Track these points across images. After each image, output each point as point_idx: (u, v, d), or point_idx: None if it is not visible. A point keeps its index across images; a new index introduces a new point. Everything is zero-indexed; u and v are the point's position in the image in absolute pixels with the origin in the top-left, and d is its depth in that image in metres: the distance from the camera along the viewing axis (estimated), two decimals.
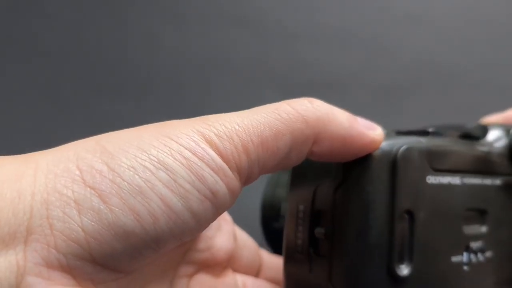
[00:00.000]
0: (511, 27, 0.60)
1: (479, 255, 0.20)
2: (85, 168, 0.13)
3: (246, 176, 0.15)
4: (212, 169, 0.14)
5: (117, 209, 0.13)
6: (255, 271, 0.22)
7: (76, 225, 0.13)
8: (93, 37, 0.60)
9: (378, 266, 0.17)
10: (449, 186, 0.19)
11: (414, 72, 0.61)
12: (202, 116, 0.16)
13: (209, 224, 0.15)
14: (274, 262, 0.23)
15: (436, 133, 0.21)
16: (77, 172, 0.13)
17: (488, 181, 0.21)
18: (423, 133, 0.20)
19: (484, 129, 0.22)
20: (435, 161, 0.19)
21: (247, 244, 0.22)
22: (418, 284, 0.18)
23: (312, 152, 0.16)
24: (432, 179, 0.18)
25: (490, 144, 0.21)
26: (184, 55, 0.60)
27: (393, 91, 0.60)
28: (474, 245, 0.20)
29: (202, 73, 0.60)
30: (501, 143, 0.21)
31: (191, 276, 0.19)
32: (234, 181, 0.15)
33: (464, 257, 0.20)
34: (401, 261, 0.18)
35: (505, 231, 0.21)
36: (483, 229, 0.20)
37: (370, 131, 0.17)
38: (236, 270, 0.21)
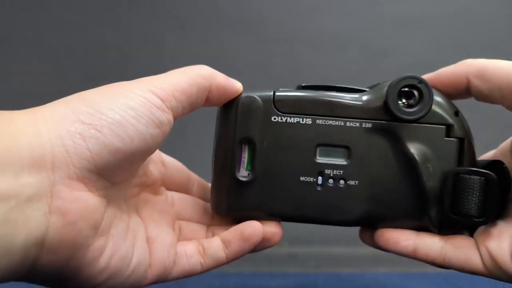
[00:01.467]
0: (505, 30, 0.61)
1: (339, 181, 0.26)
2: (78, 112, 0.20)
3: (175, 113, 0.23)
4: (158, 108, 0.22)
5: (108, 135, 0.20)
6: (185, 189, 0.30)
7: (84, 148, 0.19)
8: (97, 40, 0.61)
9: (226, 174, 0.26)
10: (297, 125, 0.26)
11: (409, 73, 0.62)
12: (146, 78, 0.23)
13: (159, 144, 0.23)
14: (204, 183, 0.31)
15: (309, 88, 0.28)
16: (74, 116, 0.20)
17: (353, 124, 0.26)
18: (299, 87, 0.28)
19: (375, 86, 0.27)
20: (283, 106, 0.26)
21: (177, 166, 0.30)
22: (259, 188, 0.26)
23: (208, 98, 0.25)
24: (278, 118, 0.26)
25: (371, 96, 0.26)
26: (185, 57, 0.61)
27: None
28: (331, 172, 0.26)
29: None
30: (379, 96, 0.26)
31: (137, 195, 0.26)
32: (169, 115, 0.23)
33: (319, 180, 0.26)
34: (240, 171, 0.26)
35: (371, 165, 0.26)
36: (343, 162, 0.26)
37: (236, 84, 0.26)
38: (168, 188, 0.29)
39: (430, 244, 0.26)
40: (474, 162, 0.26)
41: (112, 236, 0.22)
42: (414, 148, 0.25)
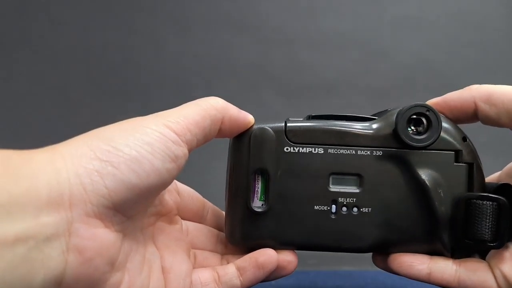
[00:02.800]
0: (503, 30, 0.61)
1: (353, 209, 0.27)
2: (96, 149, 0.20)
3: (190, 146, 0.24)
4: (174, 142, 0.23)
5: (125, 171, 0.21)
6: (200, 217, 0.30)
7: (101, 185, 0.20)
8: (100, 42, 0.62)
9: (240, 203, 0.27)
10: (310, 155, 0.27)
11: (409, 74, 0.62)
12: (161, 113, 0.24)
13: (174, 178, 0.23)
14: (218, 212, 0.31)
15: (319, 117, 0.28)
16: (92, 153, 0.20)
17: (364, 152, 0.27)
18: (309, 117, 0.28)
19: (382, 114, 0.28)
20: (294, 136, 0.27)
21: (192, 195, 0.30)
22: (274, 218, 0.27)
23: (220, 129, 0.25)
24: (290, 149, 0.27)
25: (380, 124, 0.27)
26: (187, 59, 0.61)
27: (387, 93, 0.61)
28: (344, 200, 0.27)
29: (205, 76, 0.61)
30: (388, 124, 0.26)
31: (153, 224, 0.27)
32: (185, 148, 0.23)
33: (333, 208, 0.27)
34: (255, 202, 0.27)
35: (384, 191, 0.27)
36: (356, 189, 0.27)
37: (248, 116, 0.27)
38: (183, 217, 0.29)
39: (444, 267, 0.26)
40: (483, 186, 0.27)
41: (128, 270, 0.22)
42: (425, 174, 0.26)
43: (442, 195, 0.26)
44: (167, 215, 0.28)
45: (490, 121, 0.26)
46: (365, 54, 0.61)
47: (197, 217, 0.30)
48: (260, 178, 0.27)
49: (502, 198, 0.25)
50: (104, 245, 0.20)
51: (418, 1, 0.61)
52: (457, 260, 0.26)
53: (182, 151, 0.23)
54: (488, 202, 0.25)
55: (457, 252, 0.26)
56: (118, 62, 0.61)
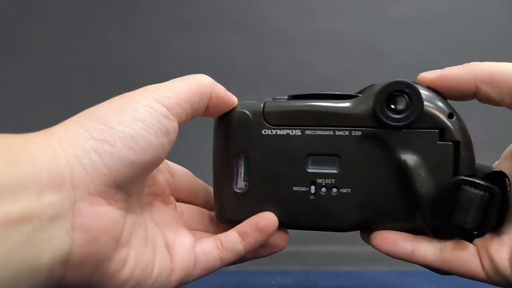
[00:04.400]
0: (503, 30, 0.61)
1: (332, 189, 0.26)
2: (90, 129, 0.21)
3: (180, 120, 0.24)
4: (164, 116, 0.23)
5: (122, 149, 0.21)
6: (193, 197, 0.30)
7: (101, 164, 0.20)
8: (100, 42, 0.62)
9: (224, 186, 0.28)
10: (287, 136, 0.26)
11: (409, 74, 0.62)
12: (150, 86, 0.24)
13: (167, 153, 0.23)
14: (210, 190, 0.31)
15: (300, 97, 0.27)
16: (87, 134, 0.20)
17: (342, 132, 0.26)
18: (290, 97, 0.28)
19: (366, 90, 0.27)
20: (272, 118, 0.26)
21: (185, 174, 0.30)
22: (255, 198, 0.27)
23: (207, 106, 0.25)
24: (268, 131, 0.26)
25: (359, 103, 0.26)
26: (187, 59, 0.61)
27: None
28: (323, 181, 0.26)
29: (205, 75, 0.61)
30: (367, 102, 0.25)
31: (150, 203, 0.27)
32: (175, 122, 0.23)
33: (311, 189, 0.26)
34: (237, 183, 0.27)
35: (363, 172, 0.26)
36: (335, 170, 0.26)
37: (233, 97, 0.27)
38: (177, 197, 0.29)
39: (429, 245, 0.26)
40: (472, 167, 0.25)
41: (133, 247, 0.22)
42: (405, 154, 0.25)
43: (423, 175, 0.25)
44: (161, 195, 0.28)
45: (490, 102, 0.25)
46: (365, 54, 0.61)
47: (190, 196, 0.30)
48: (242, 160, 0.27)
49: (496, 188, 0.24)
50: (108, 223, 0.20)
51: (418, 1, 0.61)
52: (442, 240, 0.26)
53: (172, 125, 0.23)
54: (480, 192, 0.24)
55: (440, 232, 0.25)
56: (118, 62, 0.62)
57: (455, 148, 0.25)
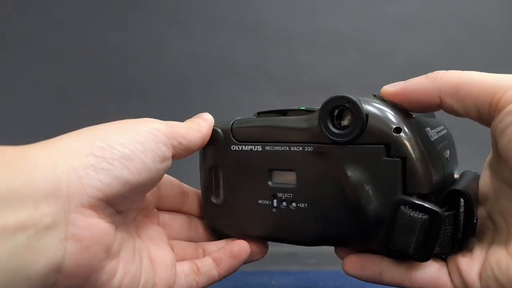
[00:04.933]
0: (503, 30, 0.61)
1: (292, 204, 0.27)
2: (91, 146, 0.22)
3: (174, 151, 0.25)
4: (163, 144, 0.24)
5: (118, 167, 0.22)
6: (179, 205, 0.31)
7: (96, 179, 0.21)
8: (100, 41, 0.62)
9: (206, 197, 0.30)
10: (251, 152, 0.28)
11: (409, 74, 0.62)
12: (152, 119, 0.25)
13: (161, 177, 0.25)
14: (198, 194, 0.32)
15: (265, 113, 0.28)
16: (87, 149, 0.21)
17: (297, 148, 0.26)
18: (258, 114, 0.29)
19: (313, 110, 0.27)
20: (238, 135, 0.28)
21: (170, 184, 0.31)
22: (228, 210, 0.29)
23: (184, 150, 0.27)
24: (236, 147, 0.28)
25: (312, 118, 0.26)
26: (187, 59, 0.61)
27: None
28: (283, 196, 0.27)
29: (205, 76, 0.62)
30: (316, 118, 0.25)
31: (134, 219, 0.27)
32: (170, 151, 0.25)
33: (274, 202, 0.27)
34: (214, 195, 0.30)
35: (316, 188, 0.26)
36: (292, 185, 0.27)
37: (203, 129, 0.28)
38: (163, 206, 0.30)
39: (395, 266, 0.25)
40: (427, 185, 0.23)
41: (122, 258, 0.23)
42: (351, 170, 0.24)
43: (370, 192, 0.24)
44: (145, 209, 0.29)
45: (455, 113, 0.24)
46: (365, 54, 0.61)
47: (176, 204, 0.31)
48: (218, 174, 0.29)
49: (437, 210, 0.22)
50: (100, 233, 0.21)
51: (418, 1, 0.61)
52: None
53: (169, 153, 0.25)
54: (419, 215, 0.22)
55: (392, 255, 0.24)
56: (118, 62, 0.62)
57: (403, 164, 0.23)
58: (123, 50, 0.62)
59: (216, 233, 0.31)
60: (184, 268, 0.28)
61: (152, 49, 0.62)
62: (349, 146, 0.24)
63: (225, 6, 0.61)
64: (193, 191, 0.32)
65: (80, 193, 0.20)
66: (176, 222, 0.31)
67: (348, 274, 0.27)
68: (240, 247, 0.28)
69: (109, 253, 0.22)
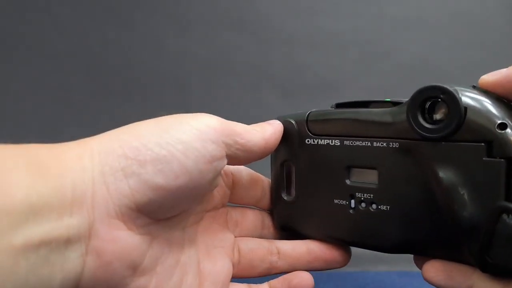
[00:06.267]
0: (504, 30, 0.61)
1: (372, 205, 0.24)
2: (125, 146, 0.19)
3: (229, 151, 0.22)
4: (212, 141, 0.21)
5: (150, 171, 0.19)
6: (256, 199, 0.29)
7: (124, 184, 0.19)
8: (100, 41, 0.62)
9: (276, 194, 0.28)
10: (327, 147, 0.25)
11: (409, 74, 0.62)
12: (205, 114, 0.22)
13: (210, 181, 0.21)
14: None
15: (344, 105, 0.26)
16: (120, 150, 0.19)
17: (380, 144, 0.23)
18: (337, 105, 0.26)
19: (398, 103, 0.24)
20: (314, 128, 0.26)
21: (246, 177, 0.28)
22: (300, 208, 0.27)
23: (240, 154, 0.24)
24: (310, 141, 0.26)
25: (398, 112, 0.23)
26: (187, 58, 0.61)
27: (388, 93, 0.61)
28: (362, 196, 0.24)
29: (205, 75, 0.61)
30: (404, 111, 0.22)
31: (198, 222, 0.25)
32: (223, 150, 0.21)
33: (351, 203, 0.25)
34: (285, 192, 0.28)
35: (401, 189, 0.23)
36: (373, 185, 0.24)
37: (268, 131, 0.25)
38: (240, 201, 0.28)
39: (490, 281, 0.21)
40: None
41: (156, 274, 0.21)
42: (443, 171, 0.21)
43: (465, 197, 0.20)
44: (213, 210, 0.26)
45: None
46: (365, 54, 0.61)
47: (253, 199, 0.29)
48: (290, 169, 0.27)
49: None
50: (125, 248, 0.19)
51: (418, 1, 0.61)
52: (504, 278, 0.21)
53: (220, 152, 0.21)
54: None
55: (489, 269, 0.21)
56: (117, 61, 0.61)
57: (507, 166, 0.20)
58: (123, 49, 0.61)
59: (286, 231, 0.28)
60: None
61: (152, 48, 0.61)
62: (442, 143, 0.21)
63: (225, 5, 0.61)
64: (267, 181, 0.29)
65: (105, 201, 0.18)
66: (247, 220, 0.28)
67: (429, 282, 0.23)
68: (301, 279, 0.25)
69: (136, 269, 0.20)
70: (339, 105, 0.26)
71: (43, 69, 0.61)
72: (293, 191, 0.27)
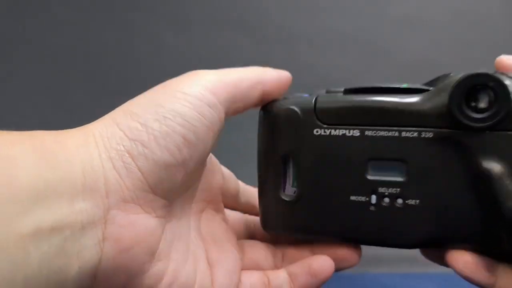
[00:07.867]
0: (505, 30, 0.61)
1: (397, 200, 0.22)
2: (125, 128, 0.19)
3: (227, 110, 0.21)
4: (210, 106, 0.20)
5: (156, 150, 0.19)
6: (236, 203, 0.28)
7: (134, 167, 0.18)
8: (99, 41, 0.62)
9: (271, 190, 0.24)
10: (343, 138, 0.22)
11: (410, 74, 0.62)
12: (199, 71, 0.21)
13: (210, 148, 0.21)
14: (248, 190, 0.29)
15: (358, 91, 0.23)
16: (121, 133, 0.19)
17: (410, 134, 0.22)
18: (345, 91, 0.24)
19: (438, 81, 0.23)
20: (325, 116, 0.23)
21: (231, 179, 0.27)
22: (305, 208, 0.23)
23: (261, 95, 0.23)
24: (321, 131, 0.23)
25: (430, 98, 0.21)
26: (187, 57, 0.61)
27: None
28: (386, 191, 0.22)
29: None
30: (441, 97, 0.21)
31: (201, 211, 0.24)
32: (222, 113, 0.21)
33: (372, 199, 0.22)
34: (285, 190, 0.24)
35: (435, 181, 0.22)
36: (400, 178, 0.22)
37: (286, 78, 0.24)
38: (225, 202, 0.27)
39: None
40: None
41: (173, 260, 0.20)
42: (488, 162, 0.20)
43: (511, 187, 0.20)
44: (213, 202, 0.25)
45: None
46: (367, 53, 0.61)
47: (235, 202, 0.28)
48: (290, 164, 0.24)
49: None
50: (143, 233, 0.19)
51: (419, 1, 0.61)
52: None
53: (218, 116, 0.20)
54: None
55: None
56: (117, 60, 0.61)
57: None
58: (122, 49, 0.61)
59: (284, 235, 0.26)
60: (252, 279, 0.24)
61: (152, 48, 0.61)
62: (487, 132, 0.20)
63: (224, 4, 0.61)
64: (244, 187, 0.28)
65: (119, 187, 0.18)
66: (239, 221, 0.27)
67: (455, 270, 0.22)
68: (321, 263, 0.24)
69: (154, 254, 0.19)
70: (350, 91, 0.24)
71: (42, 69, 0.61)
72: (291, 189, 0.24)
